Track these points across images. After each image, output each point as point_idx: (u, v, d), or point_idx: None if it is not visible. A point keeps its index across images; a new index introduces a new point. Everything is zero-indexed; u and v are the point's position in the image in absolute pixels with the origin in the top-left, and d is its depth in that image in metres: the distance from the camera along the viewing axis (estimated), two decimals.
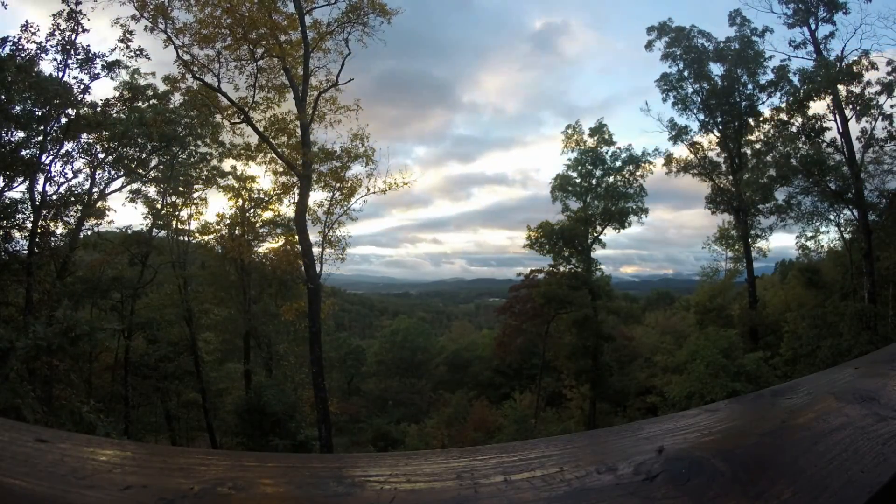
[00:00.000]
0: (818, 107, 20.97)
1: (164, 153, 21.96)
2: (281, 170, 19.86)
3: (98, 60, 18.19)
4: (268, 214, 24.29)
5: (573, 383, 25.63)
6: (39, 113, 17.30)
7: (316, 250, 18.35)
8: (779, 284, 29.43)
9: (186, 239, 24.23)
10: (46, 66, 17.80)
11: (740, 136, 24.13)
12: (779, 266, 33.62)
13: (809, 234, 24.01)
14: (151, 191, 22.68)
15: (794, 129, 21.83)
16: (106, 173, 21.01)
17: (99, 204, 20.38)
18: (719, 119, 24.52)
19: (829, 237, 24.25)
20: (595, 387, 24.90)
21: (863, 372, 0.93)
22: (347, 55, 17.35)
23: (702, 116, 24.87)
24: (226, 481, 0.55)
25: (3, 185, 17.05)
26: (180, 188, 23.00)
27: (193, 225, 24.22)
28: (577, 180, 26.61)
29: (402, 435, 26.18)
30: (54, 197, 18.66)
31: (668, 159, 25.56)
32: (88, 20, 17.66)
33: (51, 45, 17.33)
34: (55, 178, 18.74)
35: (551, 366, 27.30)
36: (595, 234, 26.36)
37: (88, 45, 18.10)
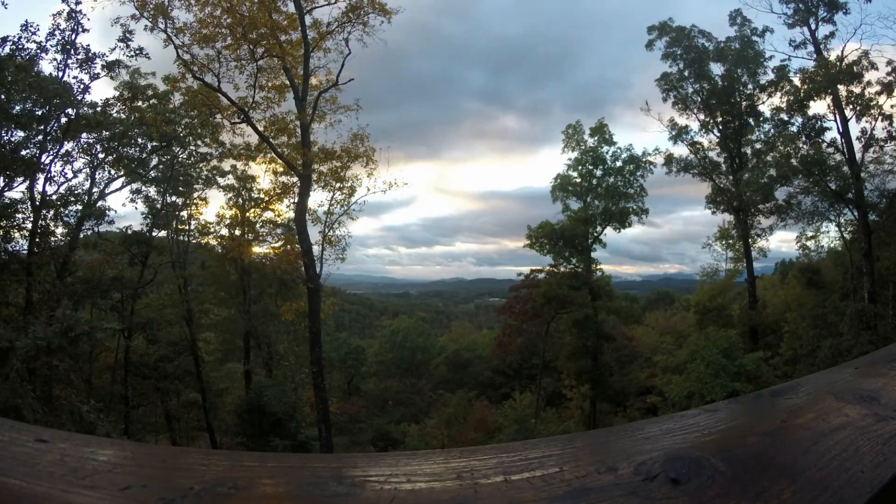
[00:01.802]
0: (818, 107, 20.99)
1: (164, 153, 21.97)
2: (281, 170, 19.86)
3: (98, 60, 18.24)
4: (268, 214, 24.32)
5: (573, 383, 25.63)
6: (39, 113, 17.32)
7: (316, 250, 18.38)
8: (779, 284, 29.42)
9: (186, 239, 24.24)
10: (46, 66, 17.85)
11: (740, 135, 24.13)
12: (779, 266, 33.64)
13: (809, 234, 24.02)
14: (151, 191, 22.73)
15: (794, 128, 21.85)
16: (106, 173, 21.07)
17: (99, 204, 20.42)
18: (719, 119, 24.53)
19: (829, 237, 24.20)
20: (595, 387, 24.90)
21: (863, 372, 0.93)
22: (348, 55, 17.37)
23: (702, 116, 24.89)
24: (226, 481, 0.55)
25: (3, 185, 17.07)
26: (180, 188, 23.01)
27: (193, 225, 24.27)
28: (578, 180, 26.63)
29: (402, 435, 26.18)
30: (54, 197, 18.70)
31: (668, 159, 25.58)
32: (88, 20, 17.73)
33: (51, 45, 17.37)
34: (55, 178, 18.80)
35: (551, 366, 27.30)
36: (595, 234, 26.38)
37: (88, 45, 18.16)
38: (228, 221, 23.89)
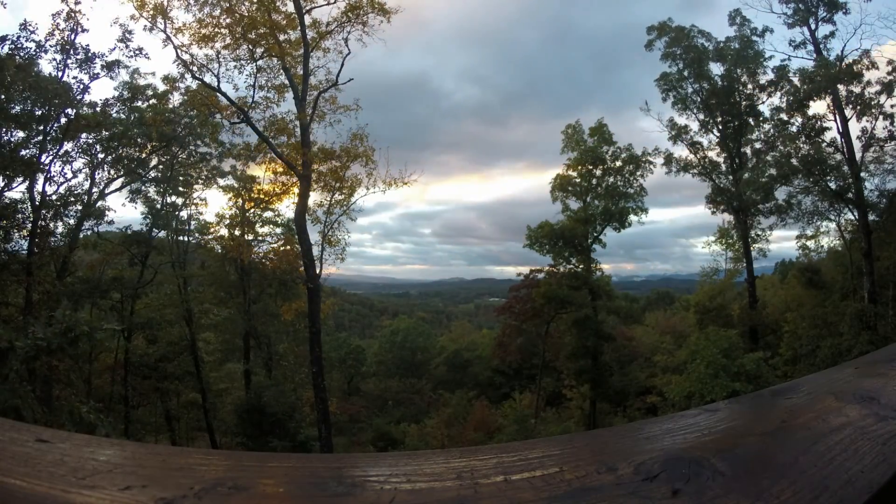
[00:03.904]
0: (818, 106, 20.99)
1: (163, 153, 21.97)
2: (281, 170, 19.85)
3: (97, 60, 18.25)
4: (268, 214, 24.31)
5: (573, 383, 25.63)
6: (39, 113, 17.32)
7: (316, 250, 18.36)
8: (779, 284, 29.41)
9: (186, 239, 24.26)
10: (46, 66, 17.85)
11: (740, 135, 24.11)
12: (779, 266, 33.60)
13: (810, 234, 24.01)
14: (151, 191, 22.73)
15: (794, 128, 21.84)
16: (106, 173, 21.08)
17: (99, 204, 20.42)
18: (719, 119, 24.50)
19: (829, 237, 24.19)
20: (595, 387, 24.90)
21: (863, 372, 0.93)
22: (347, 55, 17.37)
23: (702, 116, 24.86)
24: (226, 481, 0.55)
25: (3, 185, 17.06)
26: (180, 188, 23.01)
27: (193, 225, 24.28)
28: (577, 180, 26.63)
29: (402, 435, 26.16)
30: (54, 197, 18.71)
31: (668, 159, 25.56)
32: (88, 20, 17.74)
33: (50, 45, 17.38)
34: (55, 178, 18.81)
35: (551, 366, 27.30)
36: (595, 234, 26.38)
37: (88, 45, 18.17)
38: (228, 221, 23.91)
